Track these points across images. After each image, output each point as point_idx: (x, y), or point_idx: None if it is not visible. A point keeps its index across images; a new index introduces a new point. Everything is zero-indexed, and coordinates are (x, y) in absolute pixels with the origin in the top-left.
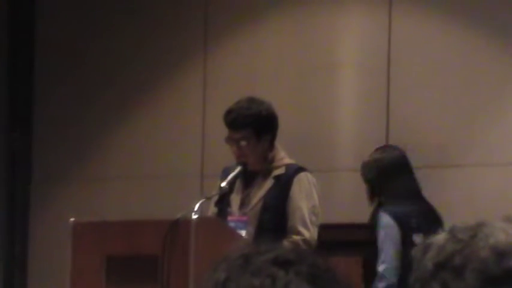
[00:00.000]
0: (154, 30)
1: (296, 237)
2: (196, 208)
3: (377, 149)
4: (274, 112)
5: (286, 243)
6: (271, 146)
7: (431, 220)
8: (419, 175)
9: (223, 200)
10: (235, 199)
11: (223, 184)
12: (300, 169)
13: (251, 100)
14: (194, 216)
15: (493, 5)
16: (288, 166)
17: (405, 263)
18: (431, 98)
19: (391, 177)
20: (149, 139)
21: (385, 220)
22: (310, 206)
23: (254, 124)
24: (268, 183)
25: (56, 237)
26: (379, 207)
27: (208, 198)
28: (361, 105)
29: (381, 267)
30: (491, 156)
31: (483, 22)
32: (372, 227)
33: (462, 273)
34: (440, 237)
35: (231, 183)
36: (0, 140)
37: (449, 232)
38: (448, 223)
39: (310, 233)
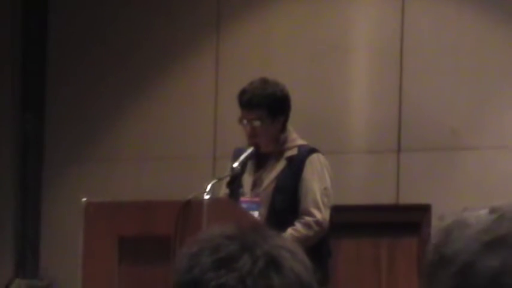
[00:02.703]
0: (166, 12)
1: (308, 219)
2: (208, 189)
3: None
4: (288, 94)
5: (298, 224)
6: (283, 127)
7: None
8: (431, 158)
9: (235, 181)
10: (247, 180)
11: (235, 165)
12: (312, 150)
13: (265, 81)
14: (206, 197)
15: None
16: (300, 147)
17: None
18: (444, 81)
19: None
20: (161, 120)
21: None
22: (322, 188)
23: (269, 104)
24: (281, 164)
25: (68, 218)
26: None
27: (220, 179)
28: (374, 87)
29: None
30: (504, 139)
31: (496, 5)
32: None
33: None
34: (478, 215)
35: (243, 164)
36: (13, 121)
37: (492, 211)
38: (460, 206)
39: (322, 214)
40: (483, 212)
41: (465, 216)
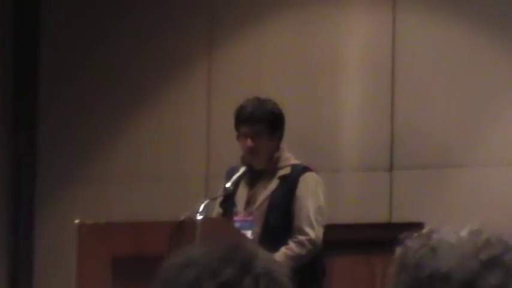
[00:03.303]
0: (158, 31)
1: (301, 237)
2: (201, 209)
3: None
4: (282, 111)
5: (291, 243)
6: (278, 145)
7: None
8: (424, 176)
9: (228, 200)
10: (240, 199)
11: (228, 185)
12: (305, 169)
13: (260, 99)
14: (199, 217)
15: (497, 4)
16: (293, 166)
17: None
18: (435, 98)
19: None
20: (154, 140)
21: None
22: (315, 206)
23: (269, 120)
24: (274, 183)
25: (61, 238)
26: None
27: (213, 199)
28: (366, 105)
29: None
30: (495, 157)
31: (487, 21)
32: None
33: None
34: (459, 236)
35: (236, 184)
36: (5, 141)
37: (472, 233)
38: (453, 223)
39: (315, 232)
40: (463, 233)
41: (444, 236)
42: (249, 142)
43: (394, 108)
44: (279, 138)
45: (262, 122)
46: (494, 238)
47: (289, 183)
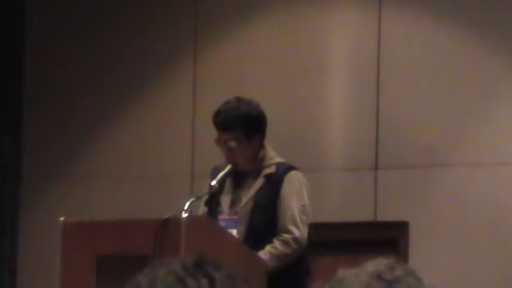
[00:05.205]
0: (144, 33)
1: (286, 236)
2: (186, 207)
3: None
4: (263, 111)
5: (276, 241)
6: (261, 145)
7: None
8: (409, 175)
9: (213, 200)
10: (225, 198)
11: (213, 183)
12: (290, 168)
13: (239, 100)
14: (184, 215)
15: (483, 6)
16: (278, 165)
17: None
18: (421, 98)
19: None
20: (139, 139)
21: None
22: (300, 205)
23: (244, 124)
24: (259, 182)
25: (45, 237)
26: None
27: (198, 198)
28: (351, 106)
29: None
30: (480, 157)
31: (473, 23)
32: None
33: None
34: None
35: (221, 182)
36: None
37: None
38: (437, 223)
39: (300, 231)
40: (367, 264)
41: (348, 270)
42: (225, 148)
43: (379, 108)
44: (260, 139)
45: (236, 128)
46: (396, 264)
47: (274, 183)
